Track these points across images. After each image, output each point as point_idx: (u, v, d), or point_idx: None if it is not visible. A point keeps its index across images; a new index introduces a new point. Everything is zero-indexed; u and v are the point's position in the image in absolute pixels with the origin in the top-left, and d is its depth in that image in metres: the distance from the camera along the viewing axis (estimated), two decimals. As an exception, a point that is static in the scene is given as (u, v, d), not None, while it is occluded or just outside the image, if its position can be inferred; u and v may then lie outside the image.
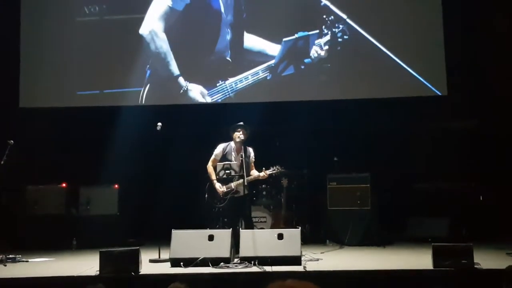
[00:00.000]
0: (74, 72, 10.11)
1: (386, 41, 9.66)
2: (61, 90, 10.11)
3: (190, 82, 9.93)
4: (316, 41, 9.80)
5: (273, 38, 9.89)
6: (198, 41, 10.08)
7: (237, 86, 9.89)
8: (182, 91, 9.93)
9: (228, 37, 9.99)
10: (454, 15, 9.58)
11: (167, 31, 10.01)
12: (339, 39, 9.75)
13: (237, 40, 9.98)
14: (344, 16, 9.73)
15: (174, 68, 9.97)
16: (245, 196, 7.70)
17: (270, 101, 9.85)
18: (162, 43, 10.00)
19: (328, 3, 9.79)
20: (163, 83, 10.05)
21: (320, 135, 9.78)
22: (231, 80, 9.92)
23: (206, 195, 7.84)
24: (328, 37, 9.77)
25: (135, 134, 9.33)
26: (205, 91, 9.93)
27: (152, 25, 10.01)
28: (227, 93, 9.93)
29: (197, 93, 9.93)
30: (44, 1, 10.27)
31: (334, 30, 9.71)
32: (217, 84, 9.93)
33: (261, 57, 9.92)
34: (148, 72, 10.05)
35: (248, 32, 9.92)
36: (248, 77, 9.87)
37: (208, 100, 9.92)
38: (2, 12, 9.86)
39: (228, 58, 9.97)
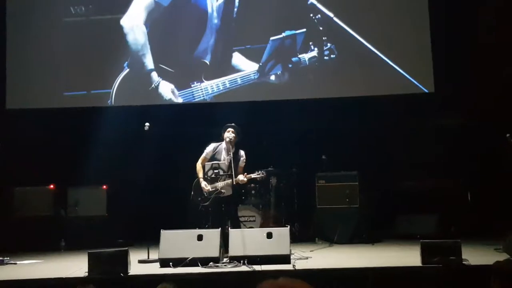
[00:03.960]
0: (61, 73, 10.08)
1: (373, 39, 9.70)
2: (48, 91, 10.08)
3: (163, 79, 9.90)
4: (301, 56, 9.81)
5: (260, 39, 9.90)
6: (178, 39, 10.09)
7: (213, 90, 9.87)
8: (153, 86, 9.89)
9: (211, 41, 9.95)
10: (441, 12, 9.62)
11: (148, 24, 9.98)
12: (325, 57, 9.77)
13: (220, 46, 9.95)
14: (331, 15, 9.75)
15: (149, 62, 9.93)
16: (230, 197, 7.65)
17: (258, 100, 9.86)
18: (140, 36, 9.95)
19: (315, 2, 9.81)
20: (135, 77, 10.01)
21: (308, 134, 9.81)
22: (206, 83, 9.89)
23: (192, 192, 7.81)
24: (314, 53, 9.78)
25: (123, 135, 9.32)
26: (176, 90, 9.91)
27: (133, 16, 9.97)
28: (201, 96, 9.90)
29: (167, 90, 9.89)
30: (29, 2, 10.20)
31: (322, 48, 9.73)
32: (192, 85, 9.90)
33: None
34: (125, 66, 10.01)
35: (236, 45, 9.93)
36: (225, 83, 9.85)
37: (179, 100, 9.90)
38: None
39: (206, 61, 9.94)
